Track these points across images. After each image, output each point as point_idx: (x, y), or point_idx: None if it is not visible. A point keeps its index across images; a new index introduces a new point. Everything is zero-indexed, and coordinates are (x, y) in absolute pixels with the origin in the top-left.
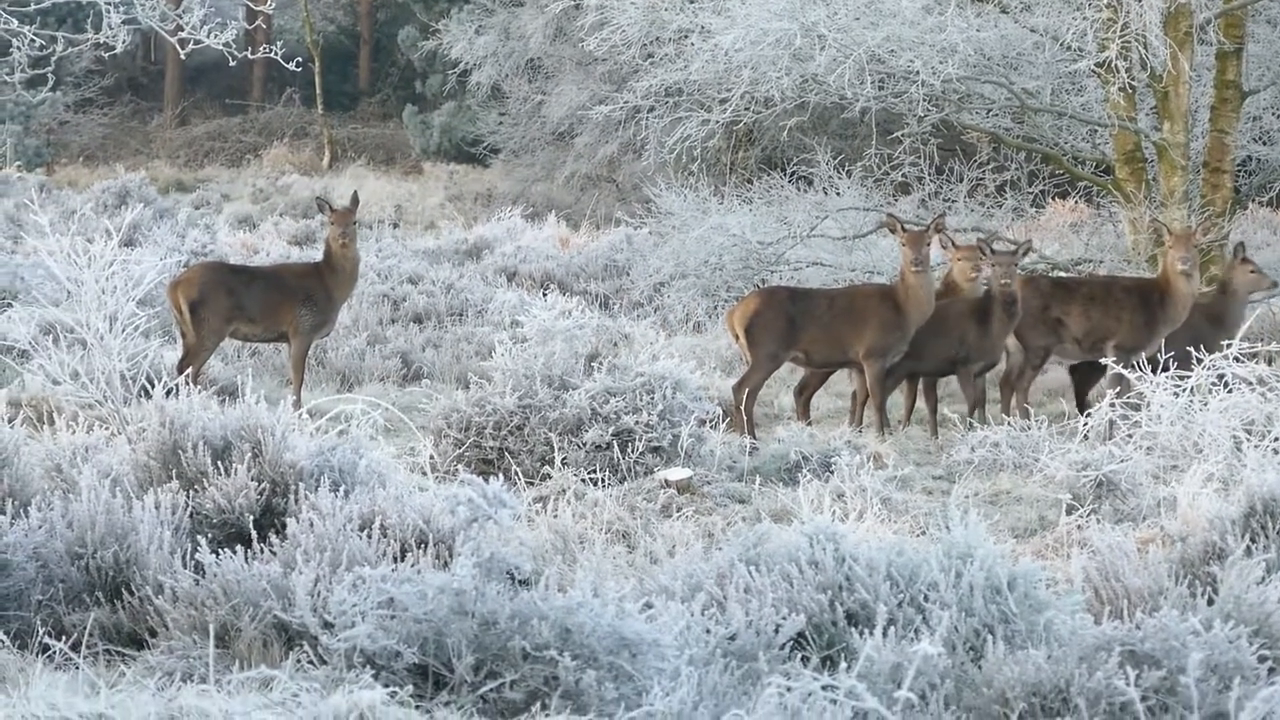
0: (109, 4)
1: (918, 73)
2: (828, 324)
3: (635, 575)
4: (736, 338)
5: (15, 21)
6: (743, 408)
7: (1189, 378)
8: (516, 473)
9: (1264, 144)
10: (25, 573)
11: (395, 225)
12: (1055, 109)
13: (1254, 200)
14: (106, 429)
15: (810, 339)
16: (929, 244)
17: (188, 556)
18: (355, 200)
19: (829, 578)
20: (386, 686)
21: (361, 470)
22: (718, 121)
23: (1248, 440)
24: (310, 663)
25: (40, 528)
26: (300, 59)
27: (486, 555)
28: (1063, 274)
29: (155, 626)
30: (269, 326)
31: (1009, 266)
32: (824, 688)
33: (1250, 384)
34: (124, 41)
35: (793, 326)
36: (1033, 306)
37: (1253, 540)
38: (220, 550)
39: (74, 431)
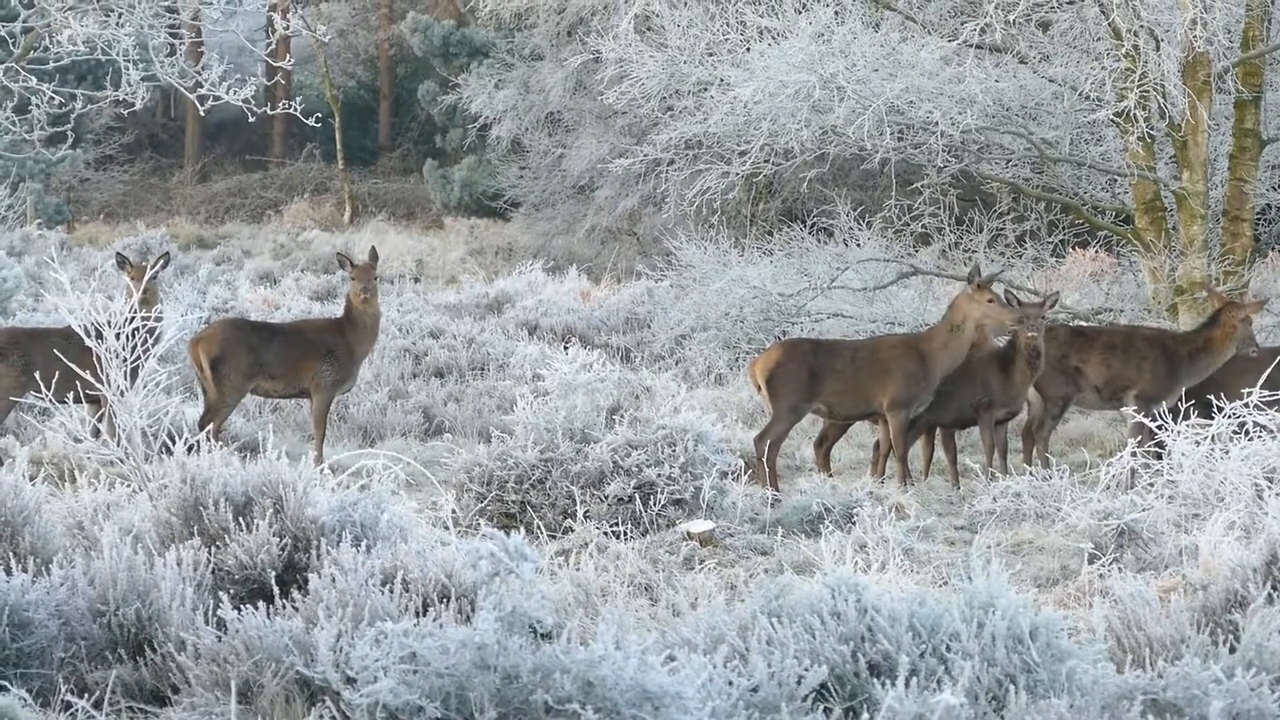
0: (128, 61)
1: (937, 123)
2: (851, 376)
3: (658, 628)
4: (759, 389)
5: (34, 79)
6: (765, 460)
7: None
8: (538, 526)
9: None
10: (47, 630)
11: (416, 280)
12: (1074, 159)
13: (1274, 249)
14: (128, 486)
15: (833, 391)
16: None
17: (210, 613)
18: (375, 255)
19: (851, 629)
20: None
21: (383, 525)
22: (737, 174)
23: (1269, 488)
24: (333, 718)
25: (62, 585)
26: (320, 114)
27: (509, 609)
28: (1083, 323)
29: (178, 683)
30: (290, 382)
31: (1036, 318)
32: None
33: (1271, 432)
34: (143, 98)
35: (815, 378)
36: (1051, 356)
37: (1274, 588)
38: (242, 606)
39: (95, 489)
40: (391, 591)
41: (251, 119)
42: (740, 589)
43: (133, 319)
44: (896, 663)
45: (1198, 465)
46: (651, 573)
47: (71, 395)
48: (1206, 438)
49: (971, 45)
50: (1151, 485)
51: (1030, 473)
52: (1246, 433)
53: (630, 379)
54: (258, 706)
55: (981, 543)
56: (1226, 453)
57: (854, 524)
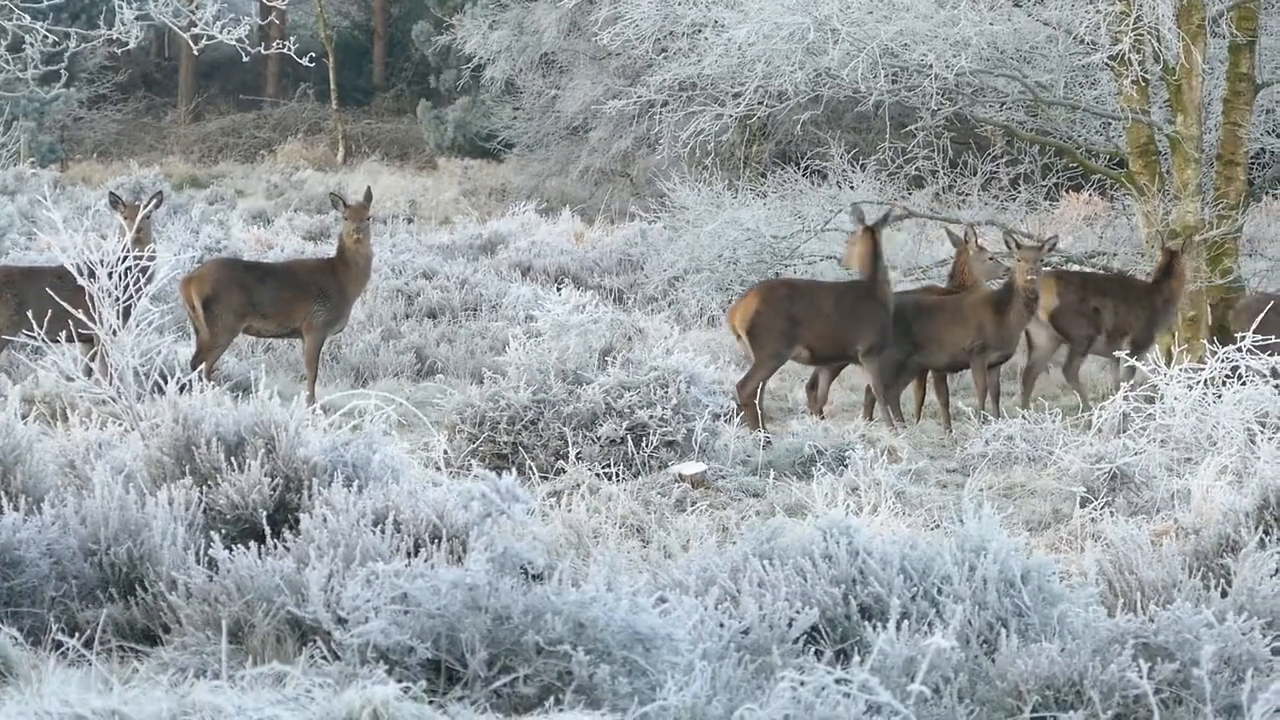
0: (122, 0)
1: (931, 66)
2: (834, 319)
3: (649, 570)
4: (739, 337)
5: (28, 18)
6: (746, 405)
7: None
8: (530, 467)
9: (1277, 136)
10: (38, 569)
11: (410, 220)
12: (1069, 102)
13: (1267, 193)
14: (120, 425)
15: (814, 334)
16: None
17: (201, 552)
18: (369, 196)
19: (843, 571)
20: (400, 682)
21: (375, 465)
22: (731, 116)
23: (1261, 433)
24: (324, 658)
25: (54, 524)
26: (314, 54)
27: (500, 550)
28: (1082, 269)
29: (168, 623)
30: (282, 322)
31: (1034, 262)
32: (837, 681)
33: (1264, 376)
34: (137, 37)
35: (794, 323)
36: (1071, 300)
37: (1266, 533)
38: (234, 546)
39: (87, 428)
40: (383, 532)
41: (245, 59)
42: (732, 531)
43: (126, 258)
44: (888, 605)
45: (1190, 409)
46: (643, 514)
47: (64, 334)
48: (1199, 382)
49: None
50: (1144, 429)
51: (1023, 416)
52: (1239, 377)
53: (623, 320)
54: (249, 646)
55: (973, 486)
56: (1219, 397)
57: (846, 466)
